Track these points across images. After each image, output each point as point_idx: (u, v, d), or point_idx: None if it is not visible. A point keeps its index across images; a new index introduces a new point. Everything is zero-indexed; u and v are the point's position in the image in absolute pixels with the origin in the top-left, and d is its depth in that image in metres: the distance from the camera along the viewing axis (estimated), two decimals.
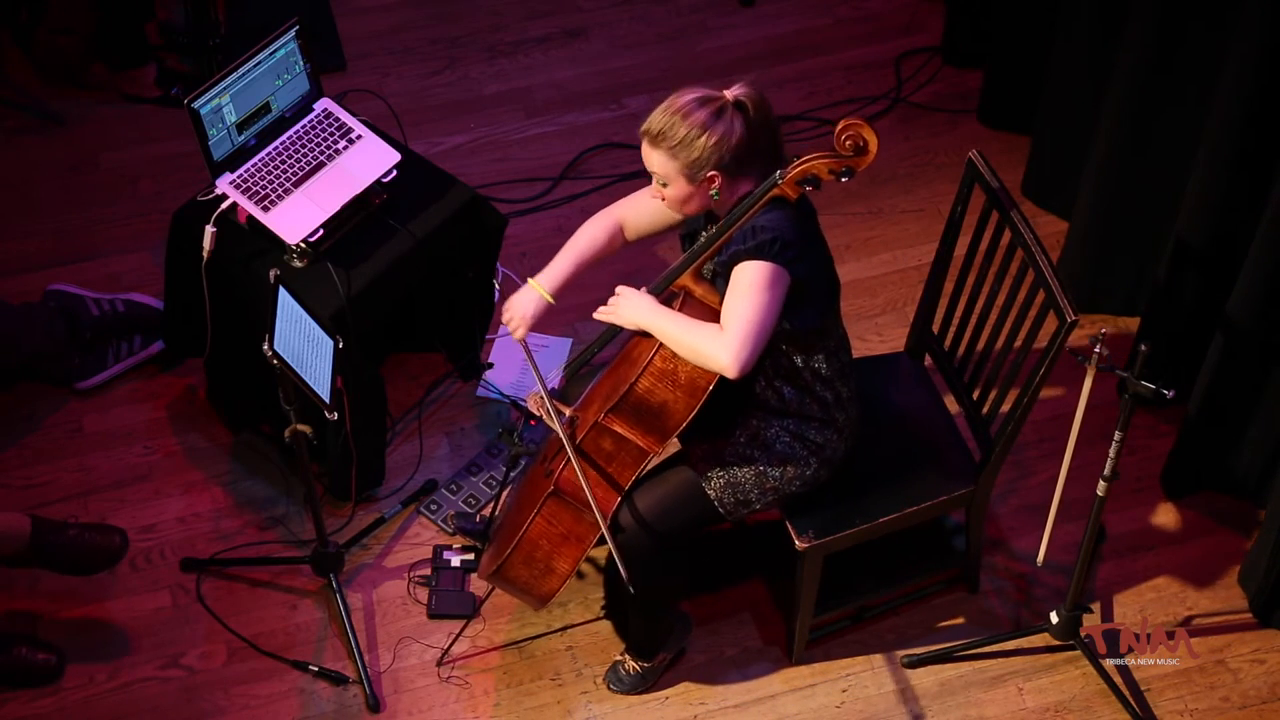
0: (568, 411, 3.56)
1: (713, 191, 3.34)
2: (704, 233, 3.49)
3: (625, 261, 4.54)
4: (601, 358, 3.65)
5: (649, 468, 3.56)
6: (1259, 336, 3.81)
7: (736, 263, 3.32)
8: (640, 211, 3.59)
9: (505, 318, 3.61)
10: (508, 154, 4.81)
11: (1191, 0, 3.82)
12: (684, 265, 3.44)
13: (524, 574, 3.63)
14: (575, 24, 5.12)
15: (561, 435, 3.49)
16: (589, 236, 3.60)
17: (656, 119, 3.32)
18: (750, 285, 3.31)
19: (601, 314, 3.50)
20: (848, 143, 3.30)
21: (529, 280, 3.59)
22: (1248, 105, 3.66)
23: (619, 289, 3.49)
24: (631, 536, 3.56)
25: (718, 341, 3.31)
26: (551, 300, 3.58)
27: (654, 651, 3.83)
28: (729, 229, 3.35)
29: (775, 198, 3.33)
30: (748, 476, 3.55)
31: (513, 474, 3.90)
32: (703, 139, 3.27)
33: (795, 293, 3.35)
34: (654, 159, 3.34)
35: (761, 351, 3.33)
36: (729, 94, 3.31)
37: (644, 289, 3.48)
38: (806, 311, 3.40)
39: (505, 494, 3.88)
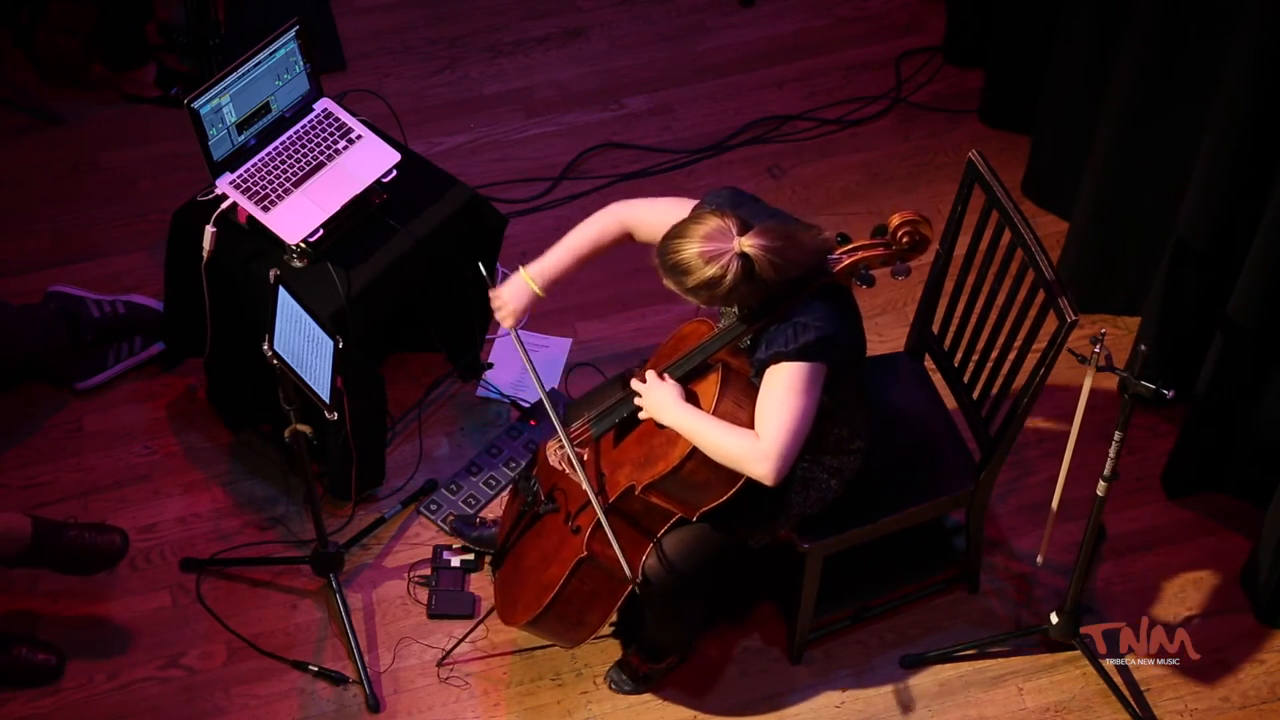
0: (585, 454, 3.48)
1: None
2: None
3: (623, 261, 4.54)
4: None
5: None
6: (1259, 336, 3.81)
7: (776, 363, 3.21)
8: (653, 224, 3.40)
9: (495, 306, 3.56)
10: (508, 154, 4.81)
11: (1192, 0, 3.82)
12: (716, 344, 3.32)
13: (556, 627, 3.64)
14: (575, 24, 5.11)
15: (594, 502, 3.40)
16: (593, 236, 3.48)
17: (662, 266, 3.15)
18: (789, 389, 3.20)
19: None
20: (905, 239, 3.22)
21: (520, 270, 3.52)
22: (1248, 105, 3.66)
23: (645, 373, 3.37)
24: (660, 572, 3.50)
25: (755, 452, 3.21)
26: (542, 294, 3.50)
27: (664, 654, 3.82)
28: (766, 315, 3.22)
29: (823, 285, 3.23)
30: (772, 505, 3.52)
31: (510, 472, 3.88)
32: (707, 292, 3.13)
33: (833, 373, 3.26)
34: (666, 282, 3.20)
35: (800, 452, 3.24)
36: (738, 244, 3.10)
37: (668, 378, 3.33)
38: (842, 385, 3.33)
39: (506, 496, 3.86)
